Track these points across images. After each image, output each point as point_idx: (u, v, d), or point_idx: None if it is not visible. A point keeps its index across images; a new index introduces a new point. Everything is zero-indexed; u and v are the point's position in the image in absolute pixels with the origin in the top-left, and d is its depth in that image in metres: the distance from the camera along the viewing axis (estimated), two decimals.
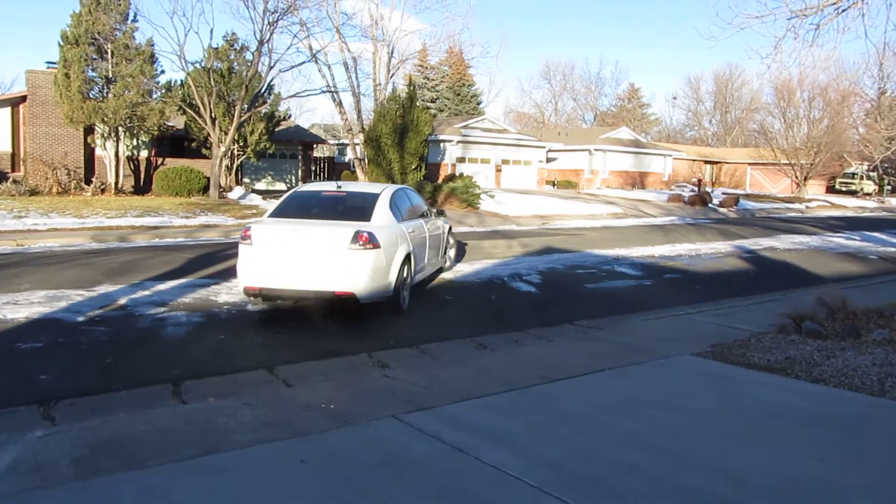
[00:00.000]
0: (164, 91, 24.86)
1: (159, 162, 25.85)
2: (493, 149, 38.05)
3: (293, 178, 34.39)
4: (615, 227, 22.43)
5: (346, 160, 39.33)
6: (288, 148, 33.75)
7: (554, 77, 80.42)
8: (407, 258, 8.68)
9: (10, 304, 7.98)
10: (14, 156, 23.26)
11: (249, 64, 24.63)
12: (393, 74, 30.44)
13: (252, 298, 8.32)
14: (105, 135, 23.38)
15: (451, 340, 7.23)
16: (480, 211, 25.14)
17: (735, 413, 4.75)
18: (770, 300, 9.53)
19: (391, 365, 6.18)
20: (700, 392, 5.25)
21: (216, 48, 24.83)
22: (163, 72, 41.07)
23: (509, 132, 41.54)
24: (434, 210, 11.19)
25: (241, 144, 26.85)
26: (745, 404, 4.95)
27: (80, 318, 7.48)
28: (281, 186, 33.60)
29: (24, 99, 23.09)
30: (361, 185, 10.99)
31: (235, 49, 25.68)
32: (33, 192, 21.33)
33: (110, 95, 22.62)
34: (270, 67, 24.89)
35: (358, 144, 29.59)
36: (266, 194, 27.39)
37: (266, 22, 23.59)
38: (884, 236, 21.19)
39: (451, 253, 12.07)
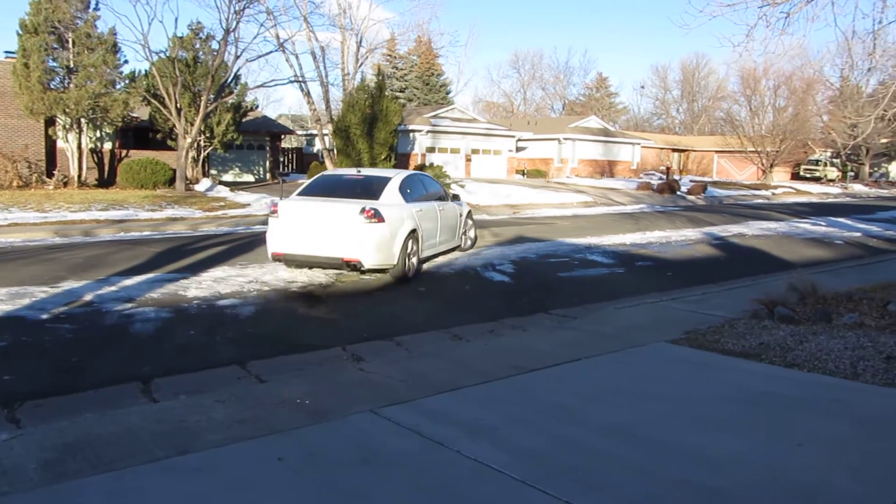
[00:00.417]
0: (127, 81, 24.36)
1: (124, 154, 25.31)
2: (463, 138, 37.99)
3: (261, 169, 33.97)
4: (586, 216, 22.52)
5: (315, 151, 38.93)
6: (255, 139, 33.32)
7: (522, 66, 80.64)
8: (412, 233, 9.95)
9: None
10: None
11: (215, 53, 24.24)
12: (361, 64, 30.22)
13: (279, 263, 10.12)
14: (67, 126, 22.85)
15: (425, 332, 7.17)
16: None
17: (712, 400, 4.76)
18: (741, 286, 9.61)
19: (366, 358, 6.10)
20: (677, 379, 5.26)
21: (181, 37, 24.40)
22: (126, 62, 40.42)
23: (479, 122, 41.50)
24: (450, 195, 12.40)
25: (208, 135, 26.43)
26: (722, 391, 4.96)
27: (45, 316, 7.27)
28: (249, 178, 33.17)
29: None
30: (378, 171, 12.17)
31: (201, 38, 25.27)
32: None
33: (72, 86, 22.09)
34: (237, 57, 24.53)
35: (327, 135, 29.31)
36: (234, 186, 27.01)
37: (232, 10, 23.22)
38: (848, 221, 21.56)
39: (472, 234, 13.13)
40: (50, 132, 22.93)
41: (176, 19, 52.84)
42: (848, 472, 3.65)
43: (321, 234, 9.41)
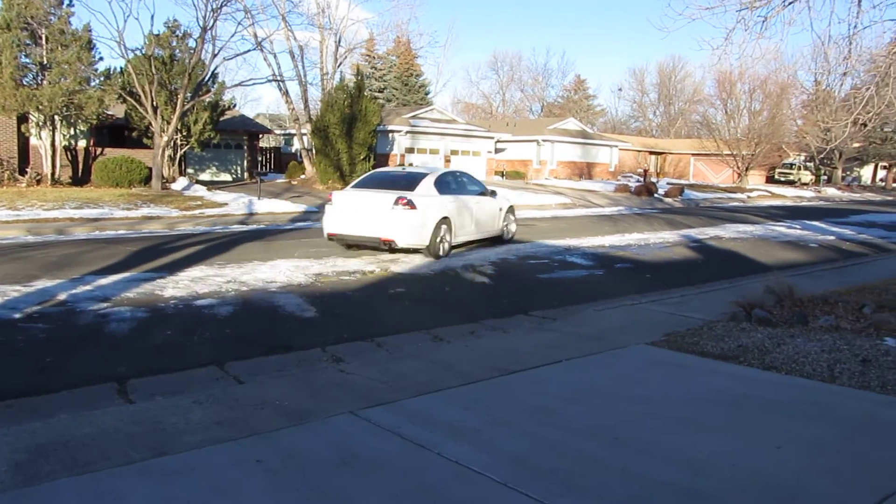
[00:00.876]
0: (102, 79, 24.01)
1: (98, 152, 24.95)
2: (442, 139, 37.96)
3: (239, 168, 33.67)
4: (565, 218, 22.61)
5: (294, 150, 38.66)
6: (233, 138, 33.01)
7: (501, 68, 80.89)
8: (444, 220, 11.81)
9: None
10: None
11: (192, 51, 24.00)
12: (340, 64, 30.15)
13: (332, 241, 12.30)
14: (40, 123, 22.48)
15: (405, 333, 7.14)
16: None
17: (692, 402, 4.78)
18: (719, 288, 9.69)
19: (346, 359, 6.05)
20: (657, 381, 5.27)
21: (157, 35, 24.10)
22: (101, 59, 39.84)
23: (458, 122, 41.50)
24: (490, 191, 13.99)
25: (185, 134, 26.15)
26: (702, 393, 4.98)
27: (17, 315, 7.14)
28: (226, 177, 32.86)
29: None
30: (421, 168, 14.11)
31: (178, 36, 24.99)
32: None
33: (45, 83, 21.75)
34: (214, 55, 24.33)
35: (305, 135, 29.16)
36: (211, 185, 26.74)
37: (209, 8, 23.03)
38: (822, 224, 21.85)
39: (512, 227, 14.72)
40: (23, 129, 22.55)
41: (152, 16, 52.16)
42: (826, 474, 3.68)
43: (365, 218, 11.54)
